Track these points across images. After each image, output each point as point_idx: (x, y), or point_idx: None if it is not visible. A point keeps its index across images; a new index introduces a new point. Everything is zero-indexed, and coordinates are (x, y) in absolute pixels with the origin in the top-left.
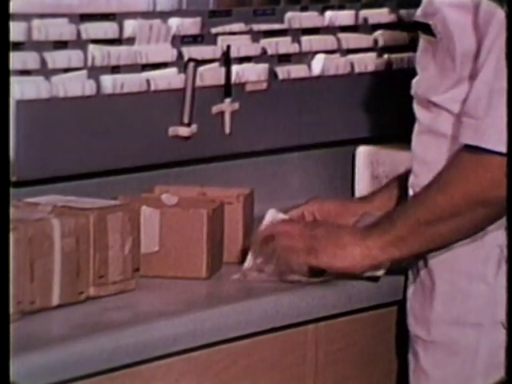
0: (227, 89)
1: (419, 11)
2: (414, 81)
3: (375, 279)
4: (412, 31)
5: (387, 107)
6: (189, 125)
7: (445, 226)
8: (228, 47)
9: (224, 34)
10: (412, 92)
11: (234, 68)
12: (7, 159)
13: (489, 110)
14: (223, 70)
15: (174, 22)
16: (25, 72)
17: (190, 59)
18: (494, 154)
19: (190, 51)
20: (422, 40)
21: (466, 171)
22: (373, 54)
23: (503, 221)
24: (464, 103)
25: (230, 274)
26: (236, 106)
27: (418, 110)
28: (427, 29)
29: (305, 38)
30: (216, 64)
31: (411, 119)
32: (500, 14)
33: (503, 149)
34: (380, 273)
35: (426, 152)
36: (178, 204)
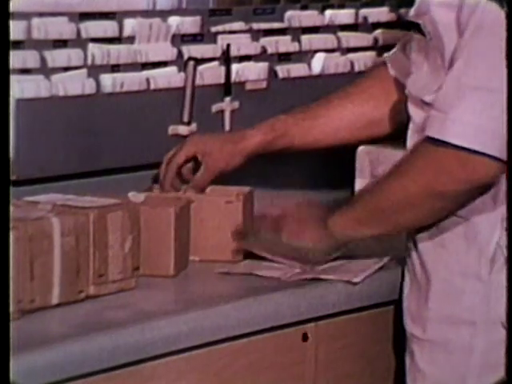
0: (227, 87)
1: (412, 11)
2: (408, 80)
3: (354, 283)
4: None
5: None
6: (189, 123)
7: (400, 215)
8: (228, 46)
9: (224, 32)
10: (406, 91)
11: (234, 67)
12: (7, 159)
13: (455, 104)
14: (223, 68)
15: (173, 20)
16: (25, 71)
17: (190, 58)
18: (455, 148)
19: (190, 50)
20: (416, 39)
21: (424, 163)
22: (373, 53)
23: (497, 219)
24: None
25: (200, 272)
26: (236, 104)
27: (411, 109)
28: (419, 28)
29: (305, 37)
30: (216, 63)
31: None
32: (480, 10)
33: (465, 143)
34: (357, 279)
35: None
36: (146, 202)
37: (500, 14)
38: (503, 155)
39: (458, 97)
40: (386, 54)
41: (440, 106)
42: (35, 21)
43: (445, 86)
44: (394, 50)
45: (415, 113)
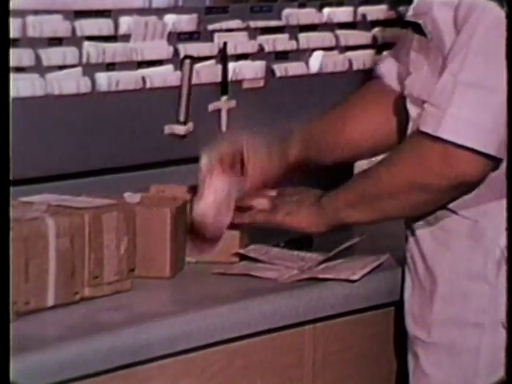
0: (224, 86)
1: (411, 10)
2: (407, 81)
3: (352, 281)
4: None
5: None
6: (185, 123)
7: (386, 203)
8: (225, 44)
9: (221, 30)
10: (406, 92)
11: (231, 65)
12: (7, 159)
13: (451, 101)
14: (220, 67)
15: (169, 18)
16: (20, 69)
17: (186, 56)
18: (444, 143)
19: (187, 48)
20: (415, 40)
21: (411, 155)
22: (371, 51)
23: (503, 219)
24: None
25: (196, 273)
26: (233, 103)
27: (412, 109)
28: (419, 28)
29: (302, 35)
30: (212, 61)
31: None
32: (478, 9)
33: (453, 138)
34: (356, 277)
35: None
36: (141, 203)
37: (499, 13)
38: (495, 153)
39: (454, 93)
40: (376, 67)
41: (435, 101)
42: (30, 18)
43: (441, 82)
44: (383, 60)
45: (415, 113)
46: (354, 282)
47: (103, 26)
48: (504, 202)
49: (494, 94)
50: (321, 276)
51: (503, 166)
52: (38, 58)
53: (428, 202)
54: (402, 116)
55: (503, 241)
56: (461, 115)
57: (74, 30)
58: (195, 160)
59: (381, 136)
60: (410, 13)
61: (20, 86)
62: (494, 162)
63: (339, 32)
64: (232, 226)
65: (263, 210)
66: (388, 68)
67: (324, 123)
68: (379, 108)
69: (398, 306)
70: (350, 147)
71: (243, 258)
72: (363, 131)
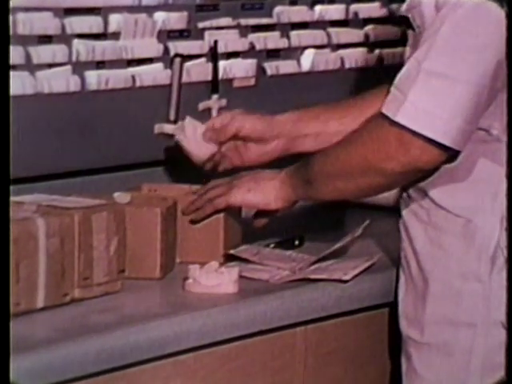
0: (214, 85)
1: (404, 5)
2: (399, 74)
3: (344, 281)
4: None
5: None
6: (175, 122)
7: (341, 182)
8: (215, 42)
9: (211, 28)
10: (394, 83)
11: (222, 63)
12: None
13: (412, 87)
14: (210, 65)
15: (159, 16)
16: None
17: (177, 54)
18: (401, 128)
19: (177, 46)
20: (409, 35)
21: (369, 137)
22: (364, 49)
23: (497, 219)
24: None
25: (186, 274)
26: (223, 102)
27: None
28: (409, 22)
29: (294, 33)
30: (203, 59)
31: None
32: (454, 3)
33: (410, 124)
34: (347, 277)
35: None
36: (131, 203)
37: (470, 7)
38: (451, 143)
39: (416, 80)
40: None
41: (400, 85)
42: (20, 16)
43: (406, 67)
44: None
45: None
46: (345, 282)
47: (93, 23)
48: (497, 201)
49: (456, 84)
50: (312, 277)
51: (492, 164)
52: (27, 56)
53: (382, 184)
54: None
55: (496, 239)
56: (420, 103)
57: (63, 28)
58: (185, 160)
59: None
60: (403, 7)
61: (10, 85)
62: (450, 152)
63: (331, 30)
64: (194, 222)
65: (220, 195)
66: None
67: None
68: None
69: (392, 307)
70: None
71: (234, 258)
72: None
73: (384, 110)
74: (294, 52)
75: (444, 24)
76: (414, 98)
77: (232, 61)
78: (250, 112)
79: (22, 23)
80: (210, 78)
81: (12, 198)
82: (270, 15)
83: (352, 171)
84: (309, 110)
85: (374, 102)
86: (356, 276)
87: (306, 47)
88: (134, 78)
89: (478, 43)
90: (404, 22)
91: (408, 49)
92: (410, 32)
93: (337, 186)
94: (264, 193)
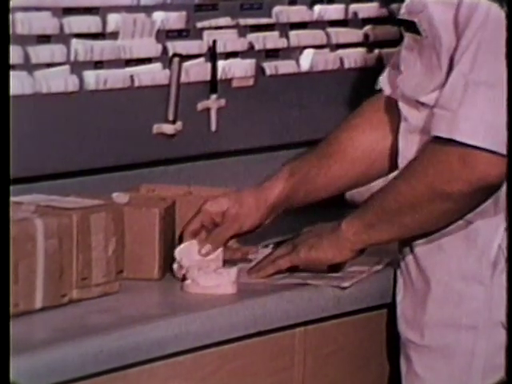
0: (213, 85)
1: (403, 9)
2: (399, 80)
3: (342, 288)
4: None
5: None
6: (174, 122)
7: (408, 216)
8: (214, 42)
9: (210, 28)
10: (398, 91)
11: (220, 63)
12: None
13: (463, 102)
14: (209, 65)
15: (158, 16)
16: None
17: (175, 54)
18: (460, 146)
19: (175, 46)
20: (407, 38)
21: (429, 163)
22: (363, 49)
23: (499, 221)
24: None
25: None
26: (222, 102)
27: (405, 109)
28: (412, 27)
29: (293, 33)
30: (202, 59)
31: None
32: (482, 8)
33: (469, 140)
34: (346, 284)
35: (417, 151)
36: (130, 203)
37: (500, 14)
38: (506, 151)
39: (465, 93)
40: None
41: (446, 103)
42: (19, 15)
43: (450, 83)
44: (385, 72)
45: (408, 112)
46: (343, 289)
47: (91, 23)
48: (499, 203)
49: (502, 92)
50: (310, 282)
51: None
52: (26, 56)
53: (451, 210)
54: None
55: (498, 241)
56: (473, 115)
57: (62, 28)
58: (184, 160)
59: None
60: (402, 11)
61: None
62: (507, 160)
63: (330, 30)
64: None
65: (284, 255)
66: (388, 77)
67: (312, 163)
68: (382, 121)
69: (390, 308)
70: (336, 186)
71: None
72: (371, 140)
73: (436, 133)
74: (293, 52)
75: (483, 33)
76: (467, 111)
77: (231, 61)
78: (239, 192)
79: (20, 23)
80: (208, 77)
81: (10, 198)
82: (268, 15)
83: (418, 202)
84: (295, 170)
85: (352, 137)
86: (354, 284)
87: (305, 47)
88: (132, 77)
89: (503, 47)
90: (401, 25)
91: (404, 53)
92: (408, 35)
93: (403, 221)
94: (327, 248)
